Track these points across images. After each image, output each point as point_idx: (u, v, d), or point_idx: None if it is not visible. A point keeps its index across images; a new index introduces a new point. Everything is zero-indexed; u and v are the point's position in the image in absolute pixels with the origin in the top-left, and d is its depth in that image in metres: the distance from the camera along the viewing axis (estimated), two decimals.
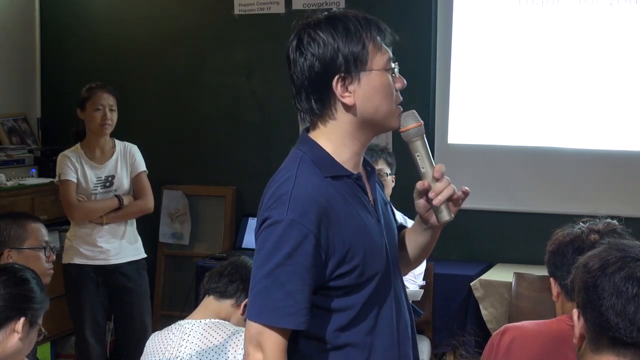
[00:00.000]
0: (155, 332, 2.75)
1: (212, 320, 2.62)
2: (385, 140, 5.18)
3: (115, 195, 4.28)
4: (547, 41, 4.88)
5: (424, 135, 1.95)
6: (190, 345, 2.57)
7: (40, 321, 2.35)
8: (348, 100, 1.83)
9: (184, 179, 5.68)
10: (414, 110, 1.94)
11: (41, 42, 5.98)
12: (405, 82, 1.91)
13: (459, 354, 4.48)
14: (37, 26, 5.96)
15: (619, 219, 2.30)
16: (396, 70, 1.90)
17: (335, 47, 1.81)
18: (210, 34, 5.68)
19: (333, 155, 1.86)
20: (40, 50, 5.98)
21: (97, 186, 4.27)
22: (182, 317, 2.76)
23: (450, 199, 1.91)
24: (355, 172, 1.89)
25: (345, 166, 1.88)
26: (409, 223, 4.25)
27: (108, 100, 4.27)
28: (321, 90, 1.83)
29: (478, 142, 5.07)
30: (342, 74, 1.82)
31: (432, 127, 5.14)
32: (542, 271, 3.40)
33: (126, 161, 4.35)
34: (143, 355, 2.70)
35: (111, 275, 4.30)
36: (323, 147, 1.86)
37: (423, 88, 5.15)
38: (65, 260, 4.28)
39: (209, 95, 5.68)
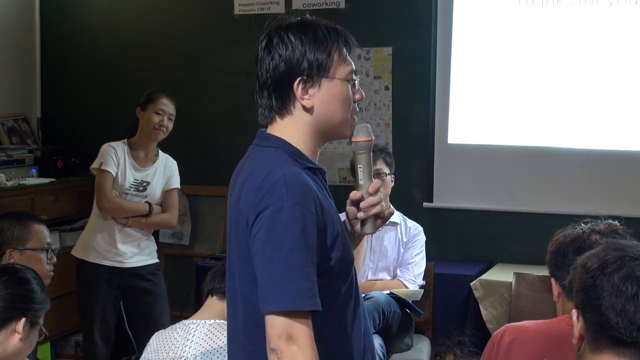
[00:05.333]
0: (159, 331, 2.75)
1: (217, 321, 2.61)
2: (385, 140, 5.18)
3: (147, 202, 4.29)
4: (547, 42, 4.88)
5: (371, 151, 2.04)
6: (195, 345, 2.57)
7: (41, 321, 2.36)
8: (307, 102, 1.90)
9: (184, 179, 5.65)
10: (369, 125, 2.03)
11: (41, 42, 5.98)
12: (364, 94, 2.00)
13: (458, 354, 4.48)
14: (37, 26, 5.96)
15: (619, 219, 2.30)
16: (357, 82, 1.97)
17: (302, 52, 1.89)
18: (210, 34, 5.68)
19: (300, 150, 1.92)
20: (40, 50, 5.98)
21: (131, 187, 4.28)
22: (182, 317, 2.76)
23: (377, 216, 2.00)
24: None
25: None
26: (408, 222, 4.29)
27: (169, 108, 4.30)
28: (282, 89, 1.90)
29: (478, 142, 5.07)
30: (305, 77, 1.89)
31: (432, 127, 5.15)
32: (542, 271, 3.41)
33: (164, 173, 4.38)
34: (145, 352, 2.70)
35: (125, 277, 4.29)
36: (289, 141, 1.91)
37: (423, 88, 5.15)
38: (80, 255, 4.26)
39: (209, 95, 5.69)
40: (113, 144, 4.28)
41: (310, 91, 1.90)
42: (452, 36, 5.05)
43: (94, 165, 4.26)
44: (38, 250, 2.98)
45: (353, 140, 2.01)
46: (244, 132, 5.55)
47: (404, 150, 5.15)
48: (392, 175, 4.09)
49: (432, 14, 5.10)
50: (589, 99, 4.80)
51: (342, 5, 5.27)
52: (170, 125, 4.32)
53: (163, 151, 4.47)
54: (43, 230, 3.03)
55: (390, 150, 4.73)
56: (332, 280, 1.83)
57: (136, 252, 4.31)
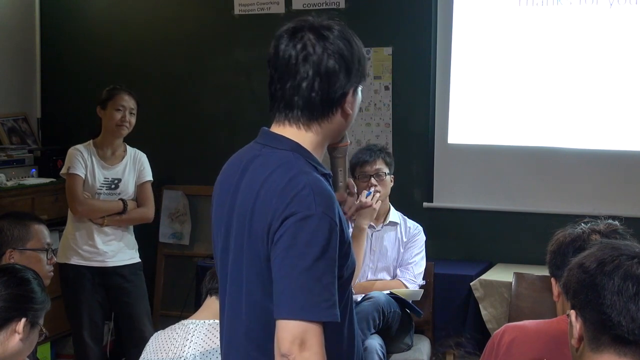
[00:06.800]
0: (158, 332, 2.75)
1: (216, 321, 2.61)
2: (385, 140, 5.18)
3: (121, 199, 4.29)
4: (547, 42, 4.88)
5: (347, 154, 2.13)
6: (194, 345, 2.57)
7: (41, 322, 2.36)
8: (349, 108, 1.87)
9: (184, 179, 5.68)
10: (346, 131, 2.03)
11: (41, 42, 5.98)
12: None
13: (458, 354, 4.48)
14: (37, 26, 5.96)
15: (619, 219, 2.30)
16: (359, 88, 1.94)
17: (358, 56, 1.86)
18: (210, 34, 5.68)
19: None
20: (40, 50, 5.98)
21: (103, 186, 4.28)
22: (182, 317, 2.76)
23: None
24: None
25: None
26: (408, 222, 4.29)
27: (129, 103, 4.30)
28: (335, 91, 1.84)
29: (478, 142, 5.07)
30: (357, 84, 1.87)
31: (432, 127, 5.14)
32: (542, 271, 3.41)
33: (135, 167, 4.37)
34: (145, 353, 2.69)
35: (108, 277, 4.30)
36: (303, 146, 1.87)
37: (423, 88, 5.15)
38: (62, 259, 4.26)
39: (209, 95, 5.69)
40: (78, 146, 4.30)
41: (352, 98, 1.87)
42: (452, 36, 5.05)
43: (63, 170, 4.30)
44: (38, 251, 2.98)
45: (341, 145, 2.04)
46: (244, 132, 5.55)
47: (404, 150, 5.15)
48: (392, 175, 4.09)
49: (432, 14, 5.10)
50: (589, 99, 4.80)
51: (342, 5, 5.27)
52: (133, 120, 4.32)
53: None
54: (43, 230, 3.03)
55: (390, 150, 4.73)
56: (339, 286, 1.81)
57: (118, 250, 4.32)
